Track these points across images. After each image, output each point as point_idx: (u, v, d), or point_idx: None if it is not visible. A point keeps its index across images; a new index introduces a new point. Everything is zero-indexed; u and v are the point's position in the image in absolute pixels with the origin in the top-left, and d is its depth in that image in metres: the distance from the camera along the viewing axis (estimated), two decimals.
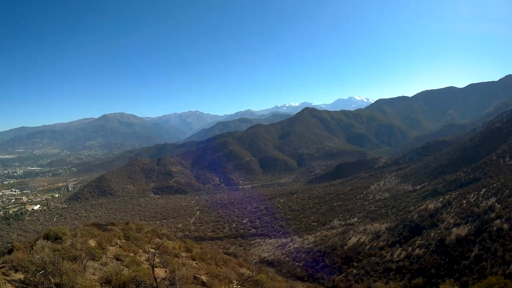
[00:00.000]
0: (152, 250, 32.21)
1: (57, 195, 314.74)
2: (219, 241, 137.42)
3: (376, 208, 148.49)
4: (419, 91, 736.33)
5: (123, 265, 27.00)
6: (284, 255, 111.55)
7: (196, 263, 41.06)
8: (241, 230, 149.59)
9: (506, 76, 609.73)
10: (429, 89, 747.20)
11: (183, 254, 43.23)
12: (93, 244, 31.15)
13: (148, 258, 30.49)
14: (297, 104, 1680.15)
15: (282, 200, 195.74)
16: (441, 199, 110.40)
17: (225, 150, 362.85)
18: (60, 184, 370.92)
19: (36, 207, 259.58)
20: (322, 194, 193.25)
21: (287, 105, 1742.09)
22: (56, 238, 30.32)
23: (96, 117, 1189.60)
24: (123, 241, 39.13)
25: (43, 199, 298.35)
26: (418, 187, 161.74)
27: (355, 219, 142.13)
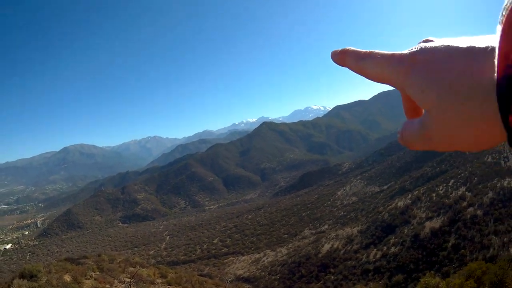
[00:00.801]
0: (127, 280, 31.27)
1: (27, 232, 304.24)
2: (193, 264, 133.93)
3: (345, 213, 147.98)
4: (376, 93, 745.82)
5: None
6: (260, 270, 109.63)
7: None
8: (213, 251, 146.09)
9: None
10: (386, 90, 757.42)
11: (159, 280, 41.14)
12: (68, 279, 29.74)
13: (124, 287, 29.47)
14: (254, 120, 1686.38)
15: (250, 216, 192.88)
16: (410, 196, 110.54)
17: (187, 172, 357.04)
18: (29, 221, 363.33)
19: (8, 246, 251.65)
20: (289, 206, 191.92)
21: (245, 121, 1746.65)
22: (31, 276, 28.29)
23: (57, 150, 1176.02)
24: (98, 273, 36.88)
25: (14, 237, 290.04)
26: (385, 187, 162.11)
27: (326, 226, 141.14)
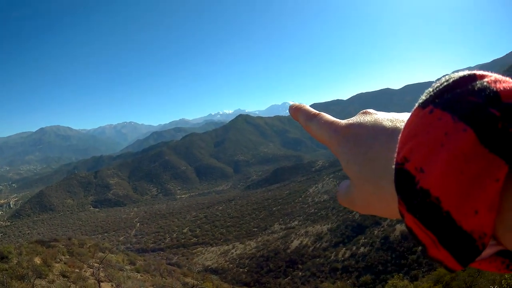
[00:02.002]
0: (96, 265, 30.89)
1: (0, 213, 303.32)
2: (162, 252, 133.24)
3: (316, 210, 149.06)
4: (355, 94, 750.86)
5: (70, 282, 26.14)
6: (228, 262, 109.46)
7: (141, 276, 39.73)
8: (182, 240, 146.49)
9: (443, 76, 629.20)
10: (364, 91, 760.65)
11: (128, 267, 41.74)
12: (38, 262, 29.89)
13: (93, 273, 29.02)
14: (231, 112, 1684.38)
15: (220, 207, 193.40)
16: None
17: (161, 160, 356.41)
18: (2, 201, 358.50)
19: None
20: (260, 200, 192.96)
21: (221, 112, 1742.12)
22: (2, 258, 28.68)
23: (34, 131, 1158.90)
24: (67, 257, 37.03)
25: None
26: None
27: (296, 222, 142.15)
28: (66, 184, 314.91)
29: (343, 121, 1.02)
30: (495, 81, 0.60)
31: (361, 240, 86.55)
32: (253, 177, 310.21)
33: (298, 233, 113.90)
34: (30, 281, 21.16)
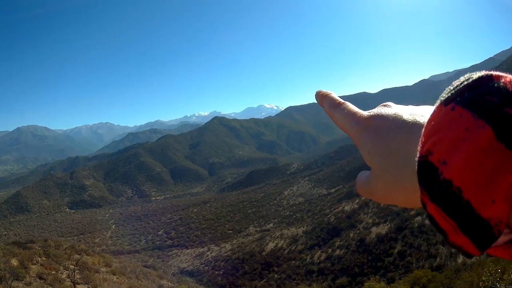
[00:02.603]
0: (72, 267, 30.53)
1: None
2: (137, 254, 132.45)
3: (291, 213, 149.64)
4: None
5: (47, 284, 25.90)
6: (203, 265, 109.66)
7: (117, 278, 39.14)
8: (158, 242, 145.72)
9: (420, 80, 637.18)
10: (340, 95, 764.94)
11: (103, 269, 41.16)
12: (15, 264, 29.09)
13: (69, 275, 28.85)
14: (206, 114, 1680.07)
15: (195, 209, 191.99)
16: (357, 201, 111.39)
17: (136, 161, 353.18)
18: None
19: None
20: (235, 202, 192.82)
21: (197, 114, 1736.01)
22: None
23: (11, 130, 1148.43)
24: (44, 258, 36.26)
25: None
26: (333, 190, 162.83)
27: (271, 225, 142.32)
28: (42, 185, 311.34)
29: (365, 113, 1.07)
30: (510, 82, 0.64)
31: (337, 243, 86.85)
32: (228, 179, 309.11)
33: (273, 236, 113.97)
34: (7, 283, 20.87)
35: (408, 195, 0.90)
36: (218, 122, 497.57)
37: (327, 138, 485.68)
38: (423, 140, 0.70)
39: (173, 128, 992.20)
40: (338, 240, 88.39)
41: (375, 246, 75.75)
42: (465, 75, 0.74)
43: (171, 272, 68.04)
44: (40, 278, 27.35)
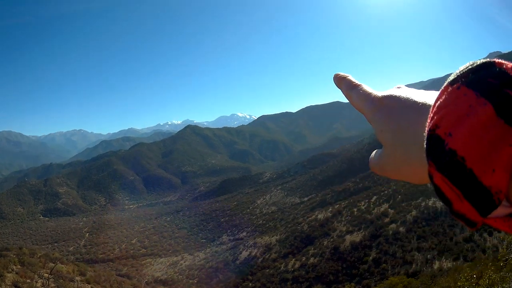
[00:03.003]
0: (47, 275, 30.30)
1: None
2: (111, 263, 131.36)
3: (264, 221, 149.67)
4: (304, 106, 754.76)
5: None
6: (177, 273, 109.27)
7: (91, 287, 38.95)
8: (131, 251, 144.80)
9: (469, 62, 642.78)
10: (313, 104, 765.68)
11: (78, 278, 40.43)
12: None
13: (43, 283, 28.63)
14: (179, 122, 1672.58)
15: (168, 218, 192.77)
16: (330, 209, 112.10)
17: (109, 169, 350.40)
18: None
19: None
20: (208, 211, 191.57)
21: (170, 122, 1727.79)
22: None
23: None
24: (19, 267, 35.94)
25: None
26: (306, 199, 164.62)
27: (244, 233, 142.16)
28: (17, 192, 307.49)
29: (380, 93, 1.16)
30: (511, 68, 0.72)
31: (311, 251, 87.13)
32: (200, 188, 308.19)
33: (246, 244, 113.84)
34: None
35: (416, 170, 0.98)
36: (191, 131, 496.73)
37: (300, 147, 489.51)
38: (431, 116, 0.79)
39: (146, 136, 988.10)
40: (312, 248, 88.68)
41: (350, 254, 76.25)
42: (470, 62, 0.82)
43: (144, 281, 67.79)
44: (16, 286, 27.25)
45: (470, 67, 0.78)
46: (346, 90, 1.32)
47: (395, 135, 1.02)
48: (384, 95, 1.12)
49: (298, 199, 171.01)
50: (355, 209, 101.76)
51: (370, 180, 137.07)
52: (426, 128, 0.79)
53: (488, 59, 0.78)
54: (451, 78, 0.79)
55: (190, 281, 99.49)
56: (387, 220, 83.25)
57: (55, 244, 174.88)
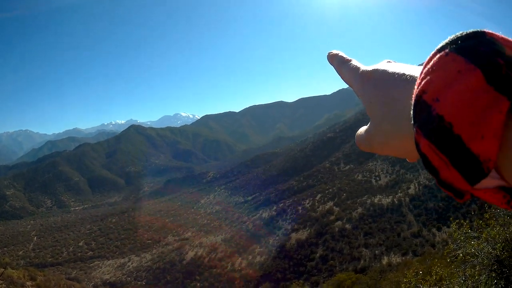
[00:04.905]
0: None
1: None
2: (60, 267, 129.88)
3: (209, 221, 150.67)
4: (247, 106, 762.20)
5: None
6: (125, 276, 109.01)
7: None
8: (79, 254, 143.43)
9: (339, 90, 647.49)
10: (257, 104, 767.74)
11: (29, 283, 41.01)
12: None
13: None
14: (123, 122, 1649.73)
15: (114, 220, 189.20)
16: (275, 208, 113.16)
17: (54, 171, 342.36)
18: None
19: None
20: (153, 212, 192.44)
21: (114, 122, 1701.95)
22: None
23: None
24: None
25: None
26: (250, 198, 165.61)
27: (189, 233, 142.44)
28: None
29: (370, 67, 1.14)
30: (502, 38, 0.71)
31: (257, 250, 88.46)
32: (145, 188, 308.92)
33: (192, 244, 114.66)
34: None
35: (405, 143, 0.95)
36: (135, 131, 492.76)
37: (243, 146, 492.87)
38: (418, 82, 0.77)
39: (91, 136, 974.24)
40: (258, 247, 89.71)
41: (296, 252, 77.19)
42: (460, 31, 0.76)
43: (91, 284, 67.74)
44: None
45: (460, 35, 0.77)
46: (337, 65, 1.33)
47: (383, 106, 1.01)
48: (374, 68, 1.10)
49: (242, 198, 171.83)
50: (300, 208, 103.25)
51: (314, 178, 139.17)
52: (413, 95, 0.78)
53: (480, 29, 0.77)
54: (440, 45, 0.78)
55: (139, 283, 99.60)
56: (332, 217, 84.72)
57: (5, 248, 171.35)
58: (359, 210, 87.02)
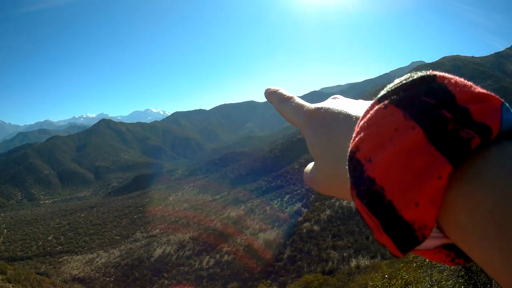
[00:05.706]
0: None
1: None
2: (30, 261, 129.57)
3: (177, 219, 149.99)
4: (217, 105, 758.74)
5: None
6: (94, 271, 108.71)
7: (12, 286, 39.53)
8: (48, 248, 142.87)
9: (311, 92, 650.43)
10: (227, 102, 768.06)
11: None
12: None
13: None
14: (94, 115, 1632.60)
15: (83, 214, 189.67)
16: (243, 207, 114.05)
17: (25, 163, 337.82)
18: None
19: None
20: (121, 207, 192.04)
21: (85, 116, 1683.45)
22: None
23: None
24: None
25: None
26: (218, 196, 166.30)
27: (157, 230, 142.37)
28: None
29: (313, 105, 1.04)
30: (454, 84, 0.63)
31: (225, 248, 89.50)
32: (113, 183, 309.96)
33: (160, 242, 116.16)
34: None
35: (346, 187, 0.74)
36: (105, 125, 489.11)
37: (212, 144, 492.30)
38: (354, 135, 0.70)
39: (62, 129, 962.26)
40: (226, 246, 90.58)
41: (264, 252, 77.61)
42: (408, 74, 0.69)
43: (58, 279, 67.51)
44: None
45: (404, 81, 0.68)
46: (278, 103, 1.20)
47: (325, 149, 0.92)
48: (317, 107, 1.00)
49: (210, 196, 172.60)
50: (268, 208, 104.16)
51: (283, 179, 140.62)
52: (349, 148, 0.70)
53: (428, 72, 0.67)
54: (381, 93, 0.70)
55: (107, 279, 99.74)
56: (300, 219, 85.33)
57: None
58: (328, 212, 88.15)
